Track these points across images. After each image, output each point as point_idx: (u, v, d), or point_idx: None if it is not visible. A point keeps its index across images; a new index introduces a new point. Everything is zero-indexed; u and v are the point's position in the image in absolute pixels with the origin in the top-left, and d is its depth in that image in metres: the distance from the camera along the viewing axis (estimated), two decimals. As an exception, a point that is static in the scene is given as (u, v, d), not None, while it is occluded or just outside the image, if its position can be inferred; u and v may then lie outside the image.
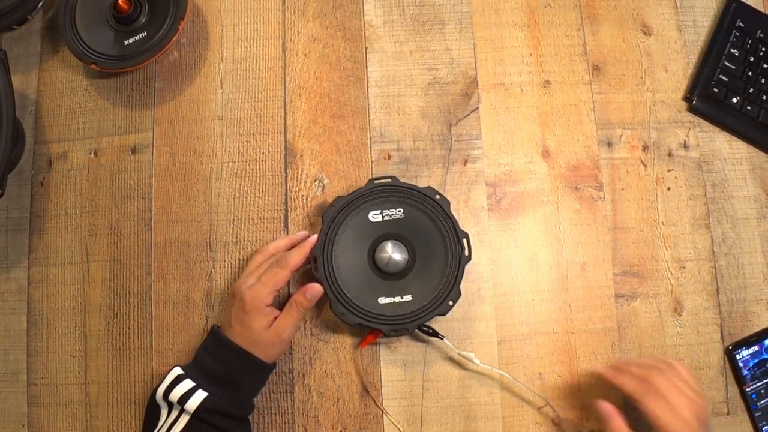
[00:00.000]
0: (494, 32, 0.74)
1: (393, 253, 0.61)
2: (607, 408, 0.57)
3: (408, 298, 0.61)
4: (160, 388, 0.58)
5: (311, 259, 0.60)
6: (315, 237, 0.62)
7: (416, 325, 0.60)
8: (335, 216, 0.61)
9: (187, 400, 0.56)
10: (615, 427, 0.56)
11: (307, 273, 0.66)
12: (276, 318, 0.59)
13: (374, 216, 0.62)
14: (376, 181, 0.63)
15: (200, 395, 0.56)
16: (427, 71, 0.72)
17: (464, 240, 0.62)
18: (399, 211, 0.62)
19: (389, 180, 0.63)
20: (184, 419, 0.56)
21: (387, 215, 0.62)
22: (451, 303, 0.60)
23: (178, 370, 0.58)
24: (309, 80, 0.72)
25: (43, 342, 0.68)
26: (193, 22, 0.73)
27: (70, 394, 0.66)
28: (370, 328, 0.61)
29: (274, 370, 0.62)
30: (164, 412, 0.58)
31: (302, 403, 0.65)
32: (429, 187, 0.63)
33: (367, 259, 0.62)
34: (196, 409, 0.55)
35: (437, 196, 0.62)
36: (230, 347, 0.58)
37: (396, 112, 0.72)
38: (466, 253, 0.62)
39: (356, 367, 0.65)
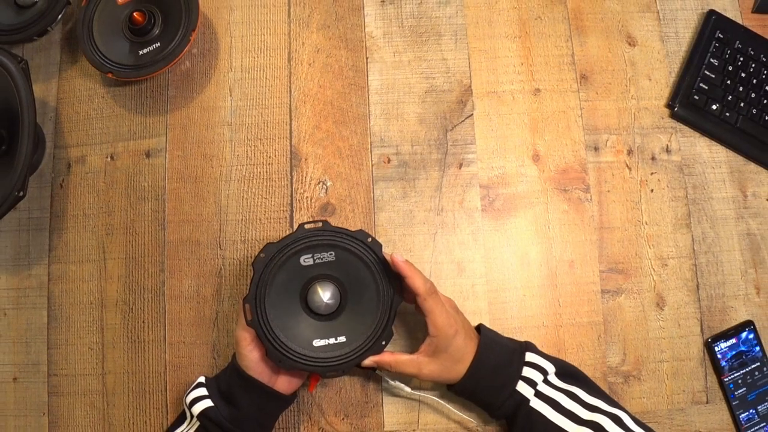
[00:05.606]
0: (488, 43, 0.76)
1: (324, 293, 0.60)
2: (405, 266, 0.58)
3: (342, 339, 0.60)
4: (187, 391, 0.62)
5: (243, 309, 0.59)
6: None
7: (350, 366, 0.59)
8: (266, 264, 0.59)
9: (193, 405, 0.60)
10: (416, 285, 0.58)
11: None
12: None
13: (305, 260, 0.60)
14: (307, 226, 0.60)
15: (204, 404, 0.59)
16: (425, 80, 0.75)
17: (397, 282, 0.60)
18: (330, 254, 0.60)
19: (320, 224, 0.60)
20: (195, 424, 0.60)
21: (318, 258, 0.60)
22: (384, 343, 0.60)
23: (201, 379, 0.62)
24: (313, 88, 0.74)
25: (63, 335, 0.70)
26: (204, 34, 0.75)
27: (88, 384, 0.68)
28: (308, 372, 0.60)
29: (282, 401, 0.61)
30: (188, 418, 0.61)
31: (306, 392, 0.67)
32: (361, 231, 0.60)
33: (300, 302, 0.60)
34: (198, 414, 0.59)
35: (369, 240, 0.60)
36: (232, 365, 0.61)
37: (395, 118, 0.74)
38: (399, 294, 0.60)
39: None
